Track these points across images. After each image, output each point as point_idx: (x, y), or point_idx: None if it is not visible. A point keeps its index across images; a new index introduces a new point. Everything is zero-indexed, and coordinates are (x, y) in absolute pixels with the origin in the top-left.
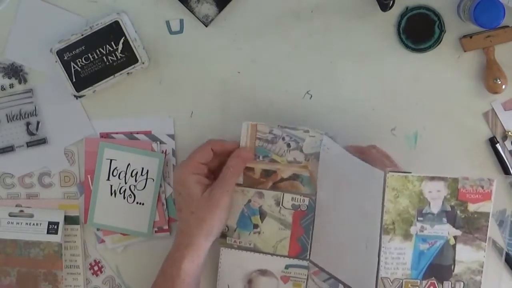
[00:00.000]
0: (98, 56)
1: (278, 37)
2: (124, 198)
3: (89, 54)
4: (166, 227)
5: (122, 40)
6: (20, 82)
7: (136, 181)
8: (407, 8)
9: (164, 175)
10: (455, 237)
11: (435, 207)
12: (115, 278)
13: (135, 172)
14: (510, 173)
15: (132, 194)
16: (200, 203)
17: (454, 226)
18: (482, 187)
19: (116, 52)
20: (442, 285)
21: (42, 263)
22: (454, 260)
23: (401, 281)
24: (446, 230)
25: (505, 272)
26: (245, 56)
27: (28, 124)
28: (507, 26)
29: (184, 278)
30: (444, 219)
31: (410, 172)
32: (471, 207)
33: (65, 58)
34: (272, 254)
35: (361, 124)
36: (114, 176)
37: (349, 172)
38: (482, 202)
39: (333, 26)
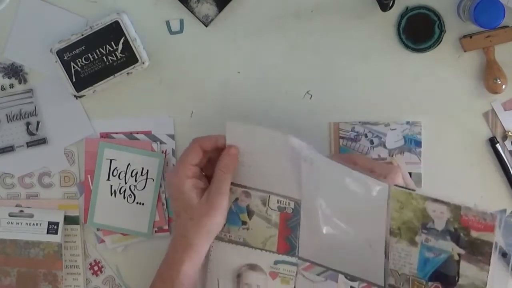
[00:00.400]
0: (98, 56)
1: (278, 37)
2: (124, 198)
3: (89, 54)
4: (166, 227)
5: (122, 40)
6: (20, 82)
7: (136, 181)
8: (407, 8)
9: (164, 175)
10: (459, 255)
11: (439, 225)
12: (115, 278)
13: (135, 172)
14: (510, 173)
15: (132, 194)
16: (198, 208)
17: (457, 245)
18: (485, 220)
19: (116, 52)
20: None
21: (42, 263)
22: (458, 273)
23: (409, 277)
24: (450, 246)
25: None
26: (245, 56)
27: (28, 124)
28: (507, 26)
29: (183, 280)
30: (448, 237)
31: (414, 190)
32: (474, 234)
33: (65, 58)
34: (261, 249)
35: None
36: (114, 176)
37: (342, 182)
38: (485, 232)
39: (333, 26)
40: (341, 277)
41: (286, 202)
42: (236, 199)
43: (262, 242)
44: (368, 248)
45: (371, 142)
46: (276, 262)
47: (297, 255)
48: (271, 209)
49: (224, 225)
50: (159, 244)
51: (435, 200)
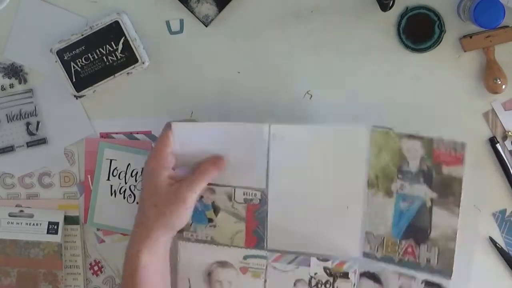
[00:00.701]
0: (98, 56)
1: (278, 37)
2: (124, 198)
3: (89, 54)
4: None
5: (122, 40)
6: (20, 82)
7: (136, 181)
8: (407, 8)
9: None
10: (431, 200)
11: (413, 166)
12: (115, 278)
13: (135, 172)
14: (510, 173)
15: (132, 194)
16: (164, 197)
17: (430, 188)
18: (455, 150)
19: (116, 52)
20: (419, 247)
21: (42, 263)
22: (430, 224)
23: (383, 237)
24: (423, 191)
25: (505, 271)
26: (245, 56)
27: (28, 124)
28: (507, 26)
29: (144, 272)
30: (421, 179)
31: (391, 129)
32: (445, 170)
33: (65, 58)
34: (229, 246)
35: (361, 124)
36: (114, 176)
37: (319, 141)
38: (455, 166)
39: (333, 26)
40: (313, 260)
41: (252, 194)
42: (201, 197)
43: (230, 238)
44: (345, 211)
45: None
46: (245, 257)
47: (265, 248)
48: (237, 202)
49: (191, 224)
50: None
51: (410, 136)
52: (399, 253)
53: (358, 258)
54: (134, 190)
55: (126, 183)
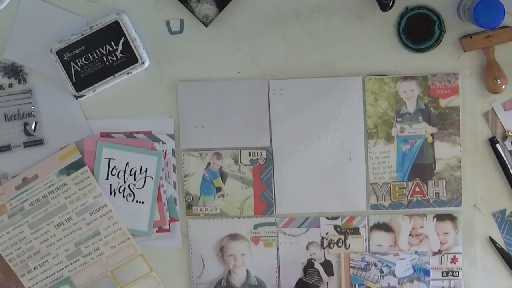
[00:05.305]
0: (98, 56)
1: (278, 37)
2: (123, 197)
3: (89, 54)
4: (166, 226)
5: (122, 40)
6: (19, 82)
7: (135, 179)
8: (407, 8)
9: (166, 175)
10: (432, 135)
11: (411, 107)
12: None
13: (134, 171)
14: (510, 173)
15: (131, 192)
16: None
17: (429, 124)
18: (449, 82)
19: (116, 52)
20: (427, 184)
21: None
22: (434, 158)
23: (389, 184)
24: (423, 129)
25: (505, 271)
26: (245, 56)
27: (25, 124)
28: (507, 26)
29: None
30: (420, 118)
31: (385, 75)
32: (442, 103)
33: (65, 58)
34: (239, 217)
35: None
36: (113, 175)
37: (315, 93)
38: (451, 96)
39: (333, 26)
40: (323, 220)
41: (257, 153)
42: (208, 164)
43: (239, 207)
44: (348, 164)
45: (381, 271)
46: (256, 226)
47: (274, 213)
48: (244, 164)
49: (199, 198)
50: (160, 244)
51: (405, 78)
52: (407, 196)
53: (366, 212)
54: (133, 188)
55: (125, 181)
